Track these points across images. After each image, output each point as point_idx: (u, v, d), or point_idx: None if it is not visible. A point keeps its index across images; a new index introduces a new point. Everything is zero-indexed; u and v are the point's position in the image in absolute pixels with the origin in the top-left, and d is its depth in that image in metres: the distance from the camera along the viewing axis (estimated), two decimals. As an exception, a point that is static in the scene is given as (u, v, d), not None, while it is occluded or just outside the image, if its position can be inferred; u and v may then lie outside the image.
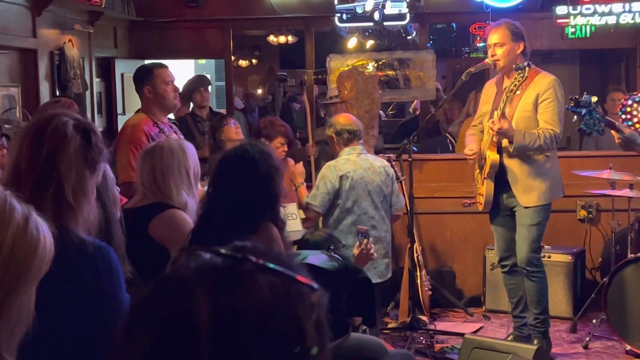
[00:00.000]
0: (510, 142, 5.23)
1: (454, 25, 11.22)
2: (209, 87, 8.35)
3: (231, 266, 1.04)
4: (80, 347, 2.41)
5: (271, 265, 1.04)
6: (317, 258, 3.27)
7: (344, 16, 7.27)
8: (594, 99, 4.09)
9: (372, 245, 4.03)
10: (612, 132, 4.22)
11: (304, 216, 5.42)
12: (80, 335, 2.41)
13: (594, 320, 5.97)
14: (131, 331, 1.05)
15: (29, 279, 1.69)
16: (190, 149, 4.00)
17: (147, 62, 8.79)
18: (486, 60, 5.44)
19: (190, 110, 8.05)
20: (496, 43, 5.36)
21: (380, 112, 8.68)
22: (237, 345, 0.98)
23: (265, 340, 0.99)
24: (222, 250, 1.08)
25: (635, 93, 6.49)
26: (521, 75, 5.18)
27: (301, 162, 5.91)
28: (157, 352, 1.00)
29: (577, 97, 4.12)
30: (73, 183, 2.57)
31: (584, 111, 3.91)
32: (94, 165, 2.66)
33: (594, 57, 10.61)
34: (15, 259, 1.66)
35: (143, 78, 5.19)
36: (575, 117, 3.97)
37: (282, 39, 11.27)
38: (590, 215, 6.84)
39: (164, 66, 5.28)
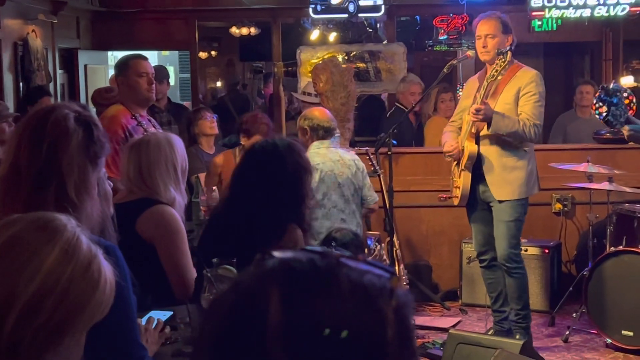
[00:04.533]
0: (489, 127, 5.16)
1: (418, 18, 11.18)
2: (165, 80, 8.18)
3: (308, 262, 0.97)
4: (89, 347, 2.29)
5: (347, 260, 0.98)
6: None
7: (318, 7, 7.16)
8: (622, 87, 3.97)
9: (385, 251, 3.93)
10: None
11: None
12: (88, 336, 2.29)
13: (574, 314, 5.96)
14: (202, 329, 1.01)
15: (81, 321, 1.61)
16: (178, 143, 3.86)
17: (110, 53, 8.65)
18: (468, 52, 5.39)
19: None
20: (487, 34, 5.30)
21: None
22: (311, 347, 0.91)
23: (344, 341, 0.91)
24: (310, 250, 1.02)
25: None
26: (502, 60, 5.14)
27: None
28: (224, 350, 0.95)
29: (605, 84, 4.01)
30: (75, 179, 2.47)
31: (614, 100, 3.78)
32: (95, 159, 2.56)
33: (558, 50, 10.65)
34: (70, 297, 1.58)
35: (118, 69, 5.15)
36: (604, 107, 3.83)
37: (244, 31, 11.13)
38: (566, 209, 6.84)
39: (141, 57, 5.16)
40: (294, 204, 3.20)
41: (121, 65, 5.10)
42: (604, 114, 3.91)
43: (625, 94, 3.90)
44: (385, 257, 3.90)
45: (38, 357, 1.59)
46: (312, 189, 5.22)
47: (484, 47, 5.29)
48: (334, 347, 0.90)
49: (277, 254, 1.00)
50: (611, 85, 3.88)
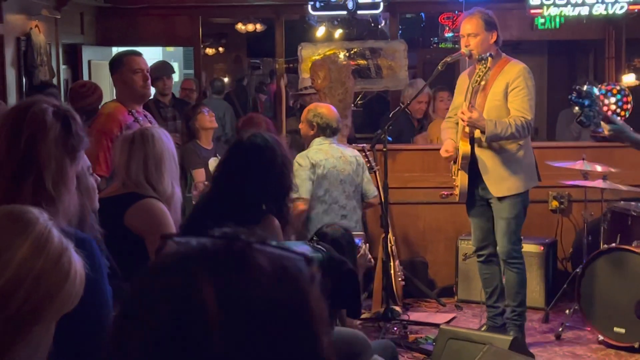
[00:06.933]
0: (482, 132, 5.21)
1: (423, 15, 11.21)
2: (172, 75, 8.29)
3: (223, 247, 0.97)
4: (63, 341, 2.33)
5: (260, 244, 0.98)
6: (299, 249, 3.20)
7: (317, 4, 7.19)
8: (596, 90, 4.02)
9: (367, 251, 3.96)
10: (602, 123, 4.16)
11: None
12: (62, 330, 2.34)
13: (567, 311, 5.98)
14: (124, 331, 0.96)
15: (50, 312, 1.64)
16: (171, 137, 3.90)
17: (114, 49, 8.71)
18: (462, 50, 5.40)
19: (152, 96, 8.00)
20: (470, 33, 5.31)
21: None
22: (249, 330, 0.91)
23: (276, 320, 0.93)
24: (210, 234, 1.00)
25: (601, 86, 6.51)
26: (484, 65, 5.17)
27: None
28: (160, 351, 0.91)
29: (579, 87, 4.05)
30: (53, 172, 2.49)
31: (586, 102, 3.83)
32: (74, 153, 2.58)
33: (562, 48, 10.66)
34: (41, 289, 1.61)
35: (113, 66, 5.19)
36: (577, 108, 3.90)
37: (250, 27, 11.20)
38: (562, 206, 6.86)
39: (136, 54, 5.19)
40: (277, 197, 3.31)
41: (115, 63, 5.13)
42: (577, 115, 3.99)
43: (598, 93, 3.96)
44: (369, 256, 3.94)
45: (8, 346, 1.62)
46: (315, 182, 5.32)
47: (466, 46, 5.32)
48: (268, 328, 0.92)
49: (183, 242, 1.01)
50: (585, 87, 3.92)
